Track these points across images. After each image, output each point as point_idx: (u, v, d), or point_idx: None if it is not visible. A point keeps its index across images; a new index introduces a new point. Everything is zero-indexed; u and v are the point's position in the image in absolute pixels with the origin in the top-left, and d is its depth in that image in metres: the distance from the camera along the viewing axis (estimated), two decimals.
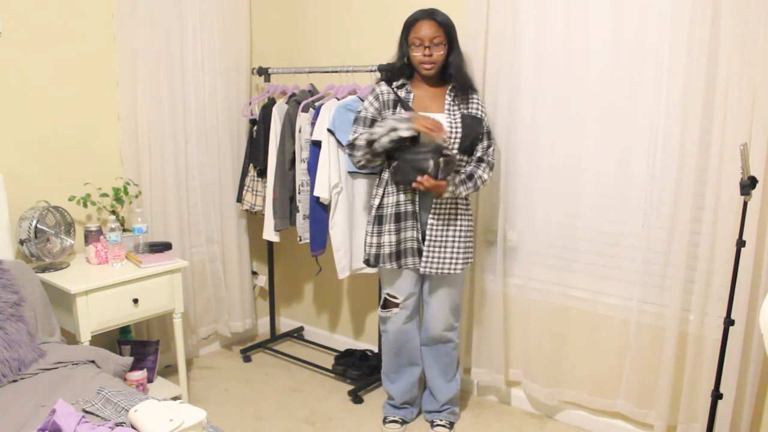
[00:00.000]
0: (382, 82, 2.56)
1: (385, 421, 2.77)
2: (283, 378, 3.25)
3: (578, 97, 2.53)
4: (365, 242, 2.59)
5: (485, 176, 2.51)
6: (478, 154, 2.52)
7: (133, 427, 1.69)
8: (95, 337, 2.48)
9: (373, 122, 2.51)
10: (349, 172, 2.85)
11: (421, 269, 2.51)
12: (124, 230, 2.83)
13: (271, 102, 3.19)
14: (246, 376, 3.27)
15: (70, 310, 2.44)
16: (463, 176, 2.46)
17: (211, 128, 3.25)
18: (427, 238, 2.49)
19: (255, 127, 3.28)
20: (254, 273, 3.67)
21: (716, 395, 2.11)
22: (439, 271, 2.51)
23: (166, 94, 3.01)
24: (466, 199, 2.55)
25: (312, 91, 3.20)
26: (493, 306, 2.86)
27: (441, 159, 2.33)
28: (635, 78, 2.41)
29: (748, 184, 1.92)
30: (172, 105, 3.04)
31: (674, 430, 2.47)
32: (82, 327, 2.43)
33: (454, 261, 2.51)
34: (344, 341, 3.54)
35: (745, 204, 1.98)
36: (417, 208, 2.48)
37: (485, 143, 2.53)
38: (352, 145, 2.48)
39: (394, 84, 2.53)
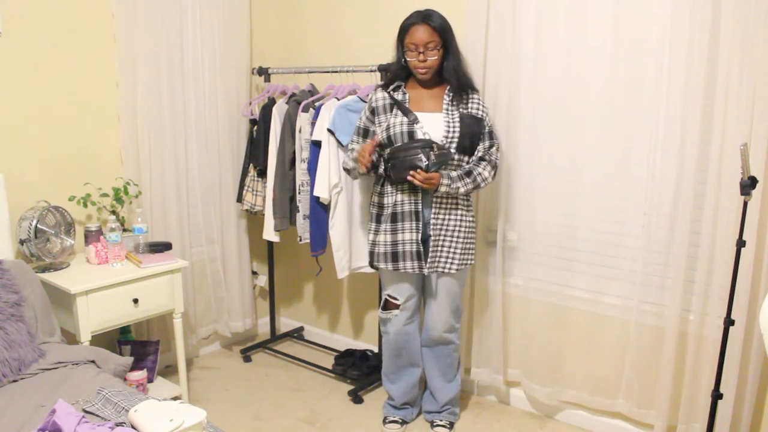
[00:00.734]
0: (379, 89, 2.57)
1: (385, 421, 2.77)
2: (283, 378, 3.25)
3: (578, 97, 2.54)
4: (367, 240, 2.60)
5: (486, 174, 2.50)
6: (480, 153, 2.52)
7: (133, 427, 1.69)
8: (95, 337, 2.48)
9: (366, 132, 2.57)
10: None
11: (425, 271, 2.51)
12: (124, 230, 2.83)
13: (271, 102, 3.19)
14: (246, 376, 3.27)
15: (70, 310, 2.45)
16: (461, 172, 2.45)
17: (211, 128, 3.25)
18: (430, 237, 2.49)
19: (255, 127, 3.29)
20: (254, 273, 3.67)
21: (716, 395, 2.11)
22: (435, 269, 2.51)
23: (166, 94, 3.01)
24: (467, 199, 2.55)
25: (312, 91, 3.20)
26: (493, 306, 2.86)
27: (431, 152, 2.34)
28: (635, 78, 2.41)
29: (748, 184, 1.92)
30: (172, 105, 3.04)
31: (674, 430, 2.47)
32: (82, 327, 2.43)
33: (450, 260, 2.51)
34: (344, 341, 3.54)
35: (745, 204, 1.98)
36: (420, 208, 2.48)
37: (487, 143, 2.53)
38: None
39: (390, 87, 2.54)
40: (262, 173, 3.24)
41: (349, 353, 3.29)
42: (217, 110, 3.26)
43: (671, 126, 2.34)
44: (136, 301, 2.57)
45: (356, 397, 3.00)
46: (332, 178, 2.83)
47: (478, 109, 2.51)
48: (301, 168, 3.00)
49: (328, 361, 3.31)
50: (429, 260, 2.49)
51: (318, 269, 3.24)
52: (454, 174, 2.43)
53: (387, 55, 2.72)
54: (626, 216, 2.51)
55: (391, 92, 2.53)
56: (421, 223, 2.48)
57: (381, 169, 2.53)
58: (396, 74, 2.56)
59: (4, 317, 2.11)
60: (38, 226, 2.48)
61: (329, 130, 2.81)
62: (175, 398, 2.41)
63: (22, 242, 2.48)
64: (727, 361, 2.19)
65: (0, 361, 2.03)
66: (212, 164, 3.28)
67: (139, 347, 2.94)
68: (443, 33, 2.43)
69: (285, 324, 3.85)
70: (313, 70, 3.12)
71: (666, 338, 2.42)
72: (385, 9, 3.05)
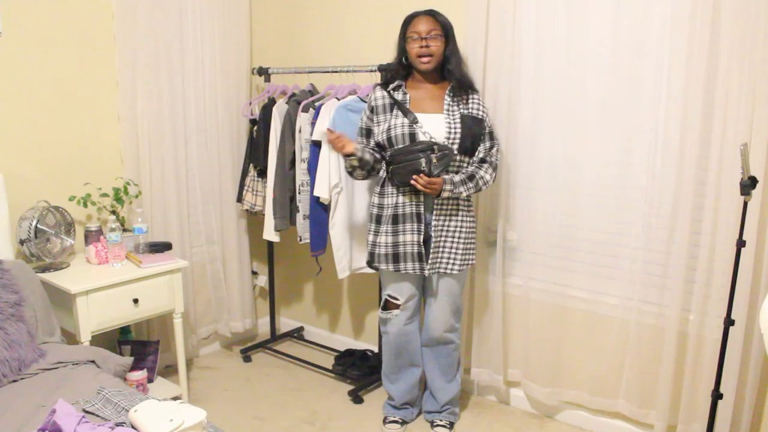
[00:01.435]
0: (378, 88, 2.57)
1: (385, 421, 2.77)
2: (283, 378, 3.25)
3: (578, 97, 2.53)
4: (366, 241, 2.60)
5: (487, 177, 2.51)
6: (481, 155, 2.52)
7: (133, 427, 1.69)
8: (95, 337, 2.48)
9: (368, 132, 2.57)
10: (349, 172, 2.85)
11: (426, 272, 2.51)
12: (124, 230, 2.83)
13: (271, 102, 3.19)
14: (246, 376, 3.27)
15: (70, 310, 2.44)
16: (463, 176, 2.46)
17: (211, 128, 3.25)
18: (431, 238, 2.49)
19: (255, 127, 3.28)
20: (254, 273, 3.67)
21: (716, 395, 2.11)
22: (436, 270, 2.51)
23: (166, 94, 3.01)
24: (468, 200, 2.55)
25: (312, 91, 3.20)
26: (493, 306, 2.86)
27: (433, 155, 2.34)
28: (635, 78, 2.41)
29: (748, 184, 1.92)
30: (172, 105, 3.04)
31: (674, 430, 2.47)
32: (82, 327, 2.43)
33: (451, 261, 2.51)
34: (344, 341, 3.54)
35: (745, 204, 1.98)
36: (421, 210, 2.48)
37: (488, 144, 2.53)
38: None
39: (390, 86, 2.54)
40: (262, 173, 3.24)
41: (349, 353, 3.29)
42: (217, 110, 3.26)
43: (671, 126, 2.34)
44: (136, 301, 2.57)
45: (356, 397, 3.00)
46: (332, 178, 2.83)
47: (478, 109, 2.51)
48: (301, 168, 3.00)
49: (328, 361, 3.31)
50: (430, 261, 2.49)
51: (318, 269, 3.24)
52: (456, 179, 2.43)
53: (387, 55, 2.72)
54: (626, 216, 2.51)
55: (391, 92, 2.53)
56: (423, 224, 2.48)
57: (381, 171, 2.53)
58: (396, 72, 2.56)
59: (4, 317, 2.11)
60: (38, 226, 2.48)
61: (329, 131, 2.80)
62: (175, 398, 2.41)
63: (22, 242, 2.48)
64: (727, 361, 2.19)
65: (0, 361, 2.03)
66: (212, 164, 3.28)
67: (139, 347, 2.94)
68: (446, 27, 2.46)
69: (285, 324, 3.85)
70: (313, 70, 3.12)
71: (666, 338, 2.42)
72: (385, 9, 3.05)
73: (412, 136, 2.43)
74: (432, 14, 2.45)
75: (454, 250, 2.51)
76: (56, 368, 2.13)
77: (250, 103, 3.38)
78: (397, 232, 2.49)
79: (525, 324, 2.79)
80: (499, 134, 2.67)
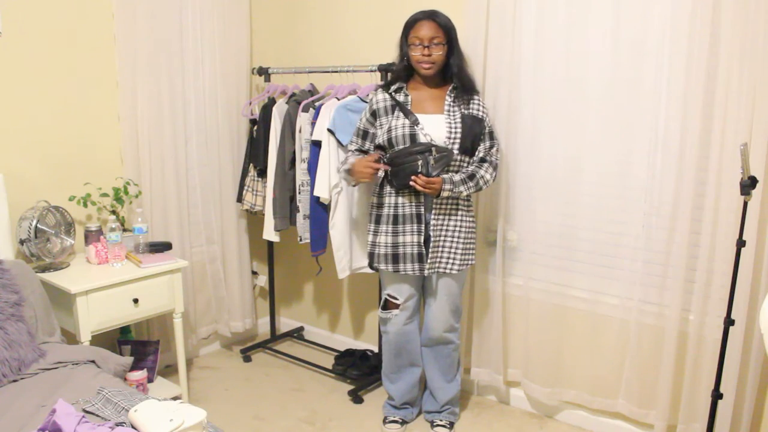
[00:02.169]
0: (380, 89, 2.57)
1: (385, 421, 2.77)
2: (283, 378, 3.25)
3: (578, 97, 2.53)
4: (366, 241, 2.61)
5: (487, 176, 2.51)
6: (481, 154, 2.52)
7: (133, 427, 1.69)
8: (95, 337, 2.47)
9: (365, 134, 2.57)
10: None
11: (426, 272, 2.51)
12: (124, 230, 2.83)
13: (271, 102, 3.19)
14: (246, 376, 3.27)
15: (70, 310, 2.44)
16: (463, 175, 2.46)
17: (211, 128, 3.25)
18: (431, 238, 2.49)
19: (255, 127, 3.29)
20: (254, 273, 3.67)
21: (716, 395, 2.11)
22: (435, 269, 2.51)
23: (166, 94, 3.01)
24: (468, 200, 2.55)
25: (312, 91, 3.20)
26: (493, 306, 2.86)
27: (431, 157, 2.34)
28: (635, 78, 2.40)
29: (748, 184, 1.92)
30: (172, 105, 3.04)
31: (674, 430, 2.47)
32: (82, 327, 2.43)
33: (451, 261, 2.51)
34: (344, 341, 3.54)
35: (745, 204, 1.98)
36: (421, 210, 2.48)
37: (488, 144, 2.53)
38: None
39: (392, 88, 2.54)
40: (262, 173, 3.24)
41: (349, 353, 3.29)
42: (217, 110, 3.26)
43: (671, 126, 2.34)
44: (136, 301, 2.57)
45: (356, 397, 3.00)
46: (332, 178, 2.82)
47: (478, 109, 2.51)
48: (301, 168, 3.00)
49: (328, 361, 3.31)
50: (429, 261, 2.49)
51: (318, 269, 3.24)
52: (456, 179, 2.42)
53: (387, 55, 2.72)
54: (626, 216, 2.51)
55: (393, 93, 2.53)
56: (423, 225, 2.48)
57: (380, 172, 2.53)
58: (398, 74, 2.56)
59: (4, 317, 2.11)
60: (38, 226, 2.48)
61: (329, 130, 2.81)
62: (175, 398, 2.41)
63: (22, 242, 2.48)
64: (727, 361, 2.19)
65: (0, 361, 2.03)
66: (212, 164, 3.28)
67: (139, 347, 2.94)
68: (448, 30, 2.44)
69: (285, 324, 3.85)
70: (313, 70, 3.12)
71: (666, 338, 2.42)
72: (386, 9, 3.05)
73: (413, 137, 2.43)
74: (434, 18, 2.42)
75: (453, 250, 2.51)
76: (56, 368, 2.13)
77: (250, 103, 3.38)
78: (397, 232, 2.49)
79: (525, 324, 2.79)
80: (499, 134, 2.67)
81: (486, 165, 2.52)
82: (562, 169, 2.62)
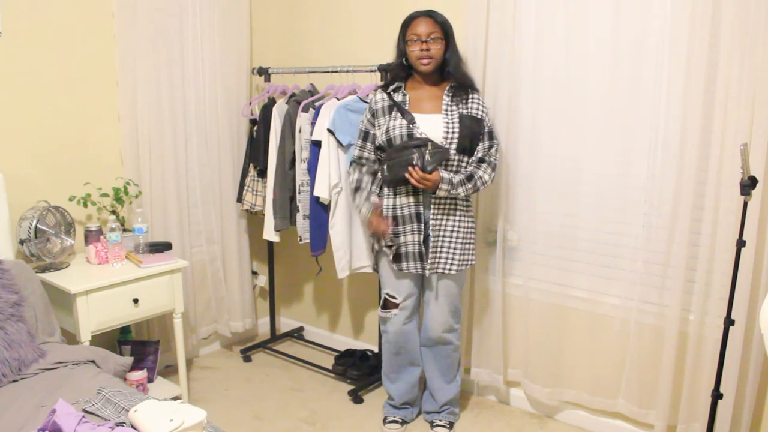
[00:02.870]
0: (379, 90, 2.57)
1: (385, 421, 2.77)
2: (283, 378, 3.25)
3: (578, 97, 2.53)
4: (368, 243, 2.61)
5: (486, 177, 2.51)
6: (479, 154, 2.52)
7: (133, 427, 1.69)
8: (95, 337, 2.47)
9: (366, 135, 2.57)
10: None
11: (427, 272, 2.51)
12: (124, 230, 2.83)
13: (271, 102, 3.19)
14: (246, 376, 3.27)
15: (70, 310, 2.44)
16: (462, 176, 2.46)
17: (211, 128, 3.25)
18: (429, 237, 2.49)
19: (255, 127, 3.28)
20: (254, 273, 3.67)
21: (716, 395, 2.11)
22: (434, 270, 2.51)
23: (166, 94, 3.01)
24: (467, 200, 2.55)
25: (312, 91, 3.20)
26: (493, 306, 2.86)
27: (426, 151, 2.34)
28: (635, 78, 2.40)
29: (748, 184, 1.92)
30: (172, 105, 3.04)
31: (674, 430, 2.47)
32: (82, 327, 2.43)
33: (449, 261, 2.51)
34: (344, 341, 3.54)
35: (745, 204, 1.98)
36: (421, 210, 2.48)
37: (486, 143, 2.53)
38: (352, 166, 2.63)
39: (390, 88, 2.54)
40: (262, 173, 3.24)
41: (349, 353, 3.29)
42: (217, 110, 3.26)
43: (671, 126, 2.34)
44: (136, 301, 2.57)
45: (356, 397, 3.00)
46: (332, 178, 2.83)
47: (478, 109, 2.51)
48: (301, 168, 3.00)
49: (328, 361, 3.31)
50: (429, 261, 2.49)
51: (318, 269, 3.24)
52: (456, 179, 2.42)
53: (387, 55, 2.72)
54: (626, 216, 2.51)
55: (391, 93, 2.53)
56: (422, 224, 2.48)
57: (379, 173, 2.53)
58: (396, 74, 2.56)
59: (4, 317, 2.11)
60: (38, 226, 2.48)
61: (329, 130, 2.81)
62: (175, 398, 2.41)
63: (22, 242, 2.48)
64: (727, 361, 2.19)
65: (0, 361, 2.03)
66: (212, 164, 3.28)
67: (139, 347, 2.94)
68: (445, 27, 2.46)
69: (285, 324, 3.85)
70: (313, 70, 3.12)
71: (666, 338, 2.42)
72: (385, 9, 3.05)
73: (410, 137, 2.43)
74: (431, 15, 2.45)
75: (452, 251, 2.51)
76: (56, 368, 2.13)
77: (250, 103, 3.38)
78: (397, 233, 2.50)
79: (525, 324, 2.79)
80: (499, 134, 2.66)
81: (484, 166, 2.52)
82: (562, 169, 2.62)
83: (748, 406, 2.31)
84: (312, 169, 2.92)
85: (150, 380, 2.86)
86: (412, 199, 2.47)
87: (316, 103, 3.01)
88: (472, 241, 2.58)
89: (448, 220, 2.50)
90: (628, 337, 2.53)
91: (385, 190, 2.52)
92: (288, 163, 3.05)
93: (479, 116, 2.50)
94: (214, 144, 3.27)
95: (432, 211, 2.48)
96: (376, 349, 3.28)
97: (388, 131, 2.47)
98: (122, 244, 2.68)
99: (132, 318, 2.60)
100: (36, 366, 2.11)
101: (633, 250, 2.49)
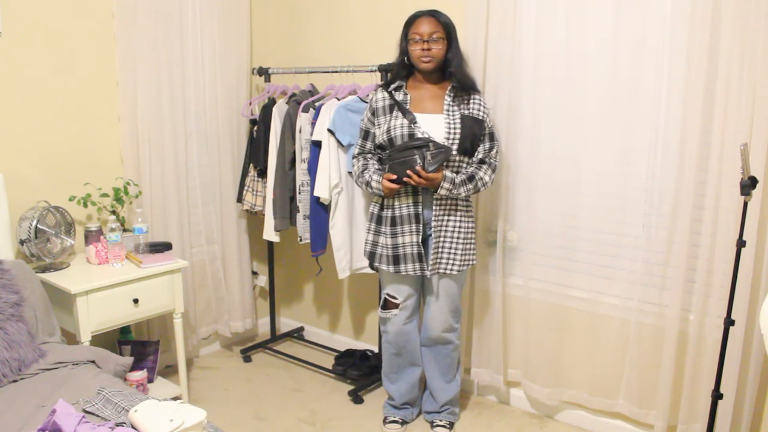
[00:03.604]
0: (380, 89, 2.57)
1: (385, 421, 2.77)
2: (283, 378, 3.25)
3: (578, 97, 2.53)
4: (364, 239, 2.60)
5: (486, 178, 2.51)
6: (480, 156, 2.52)
7: (133, 427, 1.69)
8: (95, 337, 2.48)
9: (366, 134, 2.57)
10: (350, 173, 2.85)
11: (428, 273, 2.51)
12: (125, 230, 2.83)
13: (271, 102, 3.19)
14: (246, 376, 3.27)
15: (70, 310, 2.44)
16: (463, 177, 2.46)
17: (211, 128, 3.25)
18: (431, 237, 2.49)
19: (255, 127, 3.29)
20: (254, 273, 3.67)
21: (716, 395, 2.11)
22: (435, 270, 2.51)
23: (166, 94, 3.01)
24: (467, 200, 2.55)
25: (312, 91, 3.20)
26: (493, 306, 2.86)
27: (428, 152, 2.34)
28: (635, 78, 2.41)
29: (748, 184, 1.92)
30: (172, 105, 3.04)
31: (674, 430, 2.47)
32: (82, 327, 2.43)
33: (450, 261, 2.51)
34: (344, 341, 3.54)
35: (745, 204, 1.98)
36: (420, 210, 2.48)
37: (487, 145, 2.53)
38: (356, 158, 2.61)
39: (391, 87, 2.54)
40: (262, 173, 3.24)
41: (349, 353, 3.29)
42: (217, 110, 3.26)
43: (671, 126, 2.34)
44: (136, 301, 2.57)
45: (356, 397, 3.00)
46: (332, 178, 2.83)
47: (479, 110, 2.51)
48: (301, 168, 3.00)
49: (328, 361, 3.31)
50: (430, 262, 2.49)
51: (318, 269, 3.24)
52: (457, 180, 2.42)
53: (387, 55, 2.72)
54: (626, 216, 2.51)
55: (392, 92, 2.53)
56: (421, 225, 2.48)
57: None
58: (398, 73, 2.56)
59: (4, 317, 2.11)
60: (38, 226, 2.48)
61: (329, 131, 2.81)
62: (175, 398, 2.41)
63: (22, 242, 2.48)
64: (727, 361, 2.19)
65: (0, 361, 2.03)
66: (212, 164, 3.28)
67: (139, 347, 2.94)
68: (447, 27, 2.45)
69: (285, 324, 3.85)
70: (313, 70, 3.12)
71: (666, 338, 2.42)
72: (385, 9, 3.05)
73: (411, 136, 2.43)
74: (434, 15, 2.44)
75: (453, 251, 2.51)
76: (56, 368, 2.13)
77: (250, 103, 3.38)
78: (396, 234, 2.49)
79: (525, 324, 2.79)
80: (500, 134, 2.66)
81: (485, 167, 2.52)
82: (562, 169, 2.62)
83: (748, 406, 2.31)
84: (312, 170, 2.92)
85: (150, 380, 2.86)
86: (411, 200, 2.47)
87: (317, 104, 3.01)
88: (472, 241, 2.58)
89: (449, 219, 2.50)
90: (628, 337, 2.53)
91: None
92: (288, 163, 3.05)
93: (480, 117, 2.50)
94: (214, 144, 3.27)
95: (433, 212, 2.48)
96: (376, 349, 3.28)
97: (389, 131, 2.47)
98: (122, 244, 2.68)
99: (132, 318, 2.60)
100: (36, 366, 2.11)
101: (633, 250, 2.49)
